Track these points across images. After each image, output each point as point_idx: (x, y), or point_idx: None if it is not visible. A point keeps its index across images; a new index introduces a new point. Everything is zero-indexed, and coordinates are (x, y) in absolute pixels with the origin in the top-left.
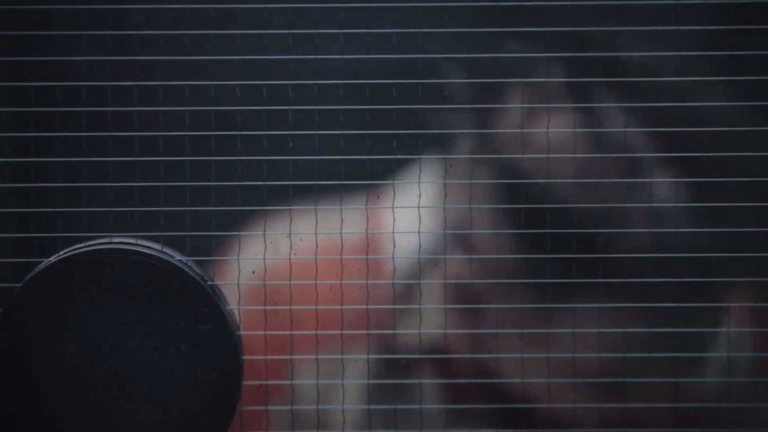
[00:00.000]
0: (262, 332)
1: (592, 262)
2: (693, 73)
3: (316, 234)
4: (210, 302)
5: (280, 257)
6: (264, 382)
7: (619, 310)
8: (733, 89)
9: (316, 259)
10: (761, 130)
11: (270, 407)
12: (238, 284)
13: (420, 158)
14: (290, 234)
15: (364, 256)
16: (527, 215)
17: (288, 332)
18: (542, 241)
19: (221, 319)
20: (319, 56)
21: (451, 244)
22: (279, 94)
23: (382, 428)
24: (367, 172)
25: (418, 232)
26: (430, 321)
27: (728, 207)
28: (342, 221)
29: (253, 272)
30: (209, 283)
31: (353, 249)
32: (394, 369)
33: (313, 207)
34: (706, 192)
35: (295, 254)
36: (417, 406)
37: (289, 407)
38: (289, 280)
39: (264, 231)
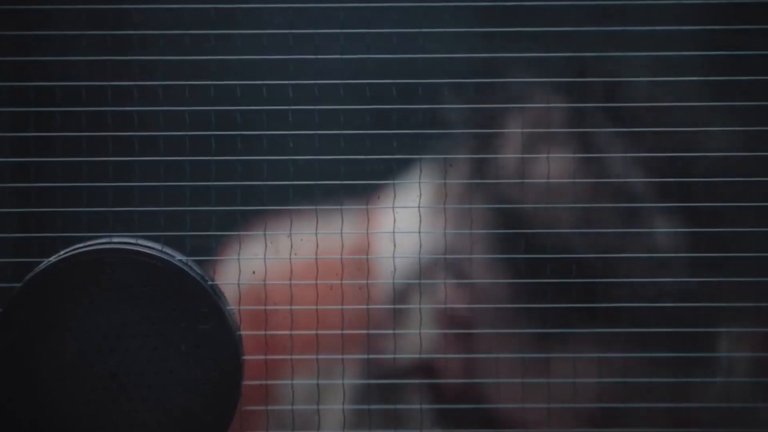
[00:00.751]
0: (262, 332)
1: (591, 266)
2: (692, 73)
3: (316, 234)
4: (210, 302)
5: (280, 257)
6: (264, 382)
7: (612, 334)
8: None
9: (316, 259)
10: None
11: (270, 407)
12: (239, 284)
13: (420, 158)
14: (290, 234)
15: (362, 257)
16: (528, 223)
17: (288, 332)
18: (542, 243)
19: (221, 319)
20: (319, 56)
21: (446, 274)
22: (279, 94)
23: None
24: (367, 172)
25: (419, 232)
26: (415, 344)
27: (726, 213)
28: (341, 222)
29: (254, 272)
30: (209, 283)
31: (348, 250)
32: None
33: (313, 207)
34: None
35: (295, 254)
36: (417, 406)
37: (289, 407)
38: (290, 280)
39: (264, 231)
